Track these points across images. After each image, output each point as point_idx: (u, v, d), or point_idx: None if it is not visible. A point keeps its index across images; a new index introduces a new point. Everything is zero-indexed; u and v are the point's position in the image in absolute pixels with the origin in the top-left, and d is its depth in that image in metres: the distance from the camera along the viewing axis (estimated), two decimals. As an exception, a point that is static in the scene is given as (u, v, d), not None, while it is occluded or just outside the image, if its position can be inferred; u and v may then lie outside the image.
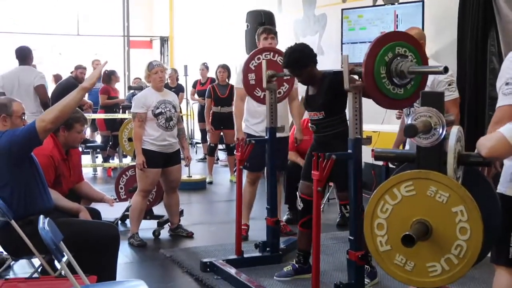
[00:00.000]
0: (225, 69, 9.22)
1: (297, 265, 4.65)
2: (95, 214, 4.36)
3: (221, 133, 9.29)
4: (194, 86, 11.13)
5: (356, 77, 3.84)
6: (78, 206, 4.27)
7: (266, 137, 5.08)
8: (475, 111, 6.27)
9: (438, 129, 2.18)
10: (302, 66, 4.13)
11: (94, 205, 4.64)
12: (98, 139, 11.14)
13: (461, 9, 6.59)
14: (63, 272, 3.16)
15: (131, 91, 10.82)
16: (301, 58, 4.17)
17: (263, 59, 5.01)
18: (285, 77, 5.06)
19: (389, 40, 3.45)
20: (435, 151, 2.21)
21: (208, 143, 9.52)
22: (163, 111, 5.56)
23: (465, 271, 2.16)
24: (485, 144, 2.22)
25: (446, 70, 3.09)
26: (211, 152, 9.41)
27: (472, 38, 6.40)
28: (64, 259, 3.20)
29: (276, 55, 5.05)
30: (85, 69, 10.05)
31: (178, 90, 10.39)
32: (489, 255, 2.66)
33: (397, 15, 7.24)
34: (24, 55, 7.31)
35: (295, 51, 4.31)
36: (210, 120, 9.16)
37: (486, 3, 6.30)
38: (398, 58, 3.42)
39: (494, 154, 2.21)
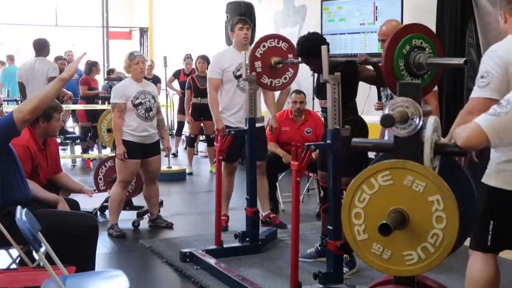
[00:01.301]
0: (204, 60, 9.19)
1: (319, 248, 4.75)
2: (74, 205, 4.34)
3: (201, 124, 9.26)
4: (177, 75, 10.89)
5: (370, 67, 3.86)
6: (57, 197, 4.26)
7: (245, 128, 5.09)
8: (453, 103, 6.32)
9: (415, 119, 2.20)
10: (315, 55, 4.13)
11: (73, 196, 4.63)
12: (77, 130, 11.07)
13: (439, 1, 6.64)
14: (41, 263, 3.14)
15: (107, 82, 10.80)
16: (314, 47, 4.18)
17: (268, 46, 5.03)
18: (290, 64, 5.07)
19: (406, 33, 3.46)
20: (412, 141, 2.23)
21: (188, 134, 9.49)
22: (142, 101, 5.55)
23: (441, 259, 2.19)
24: (461, 134, 2.25)
25: (466, 63, 3.10)
26: (191, 143, 9.39)
27: (451, 30, 6.45)
28: (42, 249, 3.18)
29: (281, 42, 5.08)
30: (66, 60, 9.96)
31: (155, 81, 10.31)
32: (465, 243, 2.72)
33: (376, 6, 7.27)
34: (40, 47, 7.72)
35: (308, 40, 4.36)
36: (190, 111, 9.14)
37: (464, -6, 6.35)
38: (416, 50, 3.44)
39: (469, 144, 2.23)
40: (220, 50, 6.03)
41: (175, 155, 10.47)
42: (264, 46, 5.02)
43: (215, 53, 5.93)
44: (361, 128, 4.47)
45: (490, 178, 2.81)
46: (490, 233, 2.77)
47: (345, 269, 4.41)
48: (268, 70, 5.04)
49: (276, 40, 5.08)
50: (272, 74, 5.07)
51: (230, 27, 5.75)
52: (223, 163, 5.37)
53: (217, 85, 5.64)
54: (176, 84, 10.97)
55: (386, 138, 4.89)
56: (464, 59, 3.17)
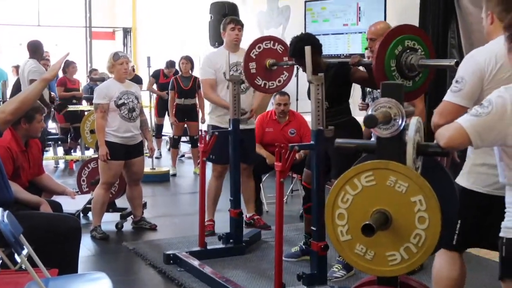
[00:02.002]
0: (188, 61, 9.15)
1: (304, 246, 4.75)
2: (56, 206, 4.31)
3: (185, 125, 9.24)
4: (156, 77, 10.57)
5: (362, 68, 3.86)
6: (39, 199, 4.22)
7: (229, 129, 5.08)
8: (435, 104, 6.30)
9: (397, 120, 2.20)
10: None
11: (55, 198, 4.59)
12: (58, 131, 10.99)
13: (422, 1, 6.68)
14: (23, 266, 3.11)
15: (88, 83, 10.72)
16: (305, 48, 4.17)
17: (264, 47, 5.00)
18: (285, 66, 5.06)
19: (398, 34, 3.47)
20: (395, 141, 2.23)
21: (172, 135, 9.46)
22: (125, 101, 5.52)
23: (423, 259, 2.19)
24: (443, 134, 2.25)
25: (457, 64, 3.10)
26: (175, 144, 9.37)
27: (433, 31, 6.49)
28: (24, 252, 3.16)
29: (276, 44, 5.06)
30: (49, 61, 9.88)
31: (136, 81, 10.22)
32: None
33: (359, 7, 7.30)
34: (34, 49, 7.79)
35: (301, 41, 4.34)
36: (173, 112, 9.11)
37: (446, -4, 6.40)
38: (408, 51, 3.45)
39: (452, 144, 2.23)
40: (212, 51, 6.00)
41: (158, 158, 10.36)
42: (259, 48, 5.00)
43: (206, 54, 5.88)
44: (355, 129, 4.48)
45: (462, 178, 2.87)
46: (457, 232, 2.84)
47: (342, 272, 4.42)
48: (263, 72, 5.01)
49: (271, 42, 5.06)
50: (266, 76, 5.04)
51: (222, 26, 5.70)
52: (212, 165, 5.35)
53: (213, 85, 5.58)
54: (155, 86, 10.72)
55: (373, 139, 4.87)
56: (456, 60, 3.19)
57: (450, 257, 2.94)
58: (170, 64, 10.36)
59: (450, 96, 2.80)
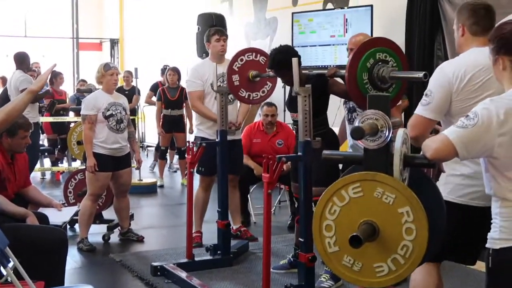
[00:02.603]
0: (175, 72, 9.15)
1: (292, 259, 4.74)
2: (43, 219, 4.28)
3: (172, 136, 9.22)
4: (155, 90, 10.16)
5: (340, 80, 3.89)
6: (25, 211, 4.19)
7: (217, 140, 5.07)
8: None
9: (384, 132, 2.21)
10: (287, 67, 4.12)
11: (42, 210, 4.57)
12: (46, 142, 10.93)
13: (408, 14, 6.73)
14: (9, 279, 3.09)
15: (75, 93, 10.65)
16: (285, 60, 4.17)
17: (246, 59, 5.03)
18: (267, 77, 5.07)
19: (370, 46, 3.50)
20: (382, 153, 2.24)
21: (159, 146, 9.43)
22: (113, 113, 5.51)
23: (411, 270, 2.19)
24: (430, 146, 2.26)
25: (425, 76, 3.16)
26: (161, 155, 9.34)
27: (420, 42, 6.54)
28: (10, 265, 3.13)
29: (259, 55, 5.08)
30: (35, 71, 9.84)
31: (133, 92, 10.21)
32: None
33: (346, 19, 7.33)
34: (21, 60, 7.86)
35: (280, 53, 4.37)
36: (161, 123, 9.09)
37: (432, 7, 6.46)
38: (380, 63, 3.48)
39: (438, 156, 2.25)
40: (198, 63, 5.99)
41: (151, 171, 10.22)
42: (242, 60, 5.02)
43: (193, 66, 5.86)
44: (333, 140, 4.50)
45: (440, 189, 2.86)
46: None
47: (330, 282, 4.42)
48: (246, 84, 5.04)
49: (254, 53, 5.09)
50: (250, 88, 5.07)
51: (206, 37, 5.70)
52: (200, 176, 5.34)
53: (201, 96, 5.58)
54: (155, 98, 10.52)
55: (350, 150, 4.87)
56: (424, 72, 3.22)
57: (427, 268, 2.94)
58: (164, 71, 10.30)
59: (419, 109, 2.89)
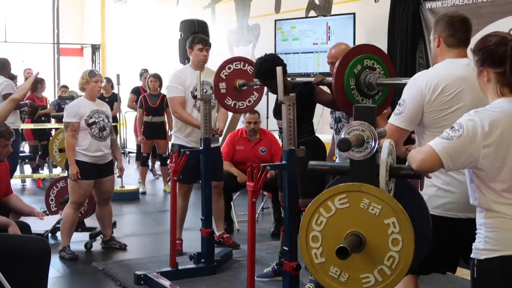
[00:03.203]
0: (156, 79, 9.12)
1: (276, 267, 4.74)
2: (25, 228, 4.26)
3: (153, 143, 9.18)
4: (136, 93, 10.08)
5: (326, 88, 3.89)
6: (7, 220, 4.16)
7: (200, 148, 5.06)
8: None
9: (370, 143, 2.22)
10: (272, 77, 4.13)
11: (24, 219, 4.53)
12: (26, 148, 10.85)
13: (390, 22, 6.78)
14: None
15: (56, 99, 10.57)
16: (271, 69, 4.17)
17: (234, 68, 5.03)
18: (255, 86, 5.08)
19: (357, 53, 3.52)
20: (368, 164, 2.25)
21: (141, 153, 9.39)
22: (96, 120, 5.48)
23: (397, 281, 2.20)
24: (415, 157, 2.28)
25: None
26: (143, 162, 9.30)
27: (402, 51, 6.60)
28: (-8, 275, 3.10)
29: (246, 65, 5.09)
30: (16, 77, 9.77)
31: (114, 99, 10.14)
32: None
33: (329, 26, 7.37)
34: (1, 66, 7.80)
35: (266, 62, 4.38)
36: (142, 130, 9.05)
37: (414, 16, 6.51)
38: (367, 70, 3.50)
39: (423, 167, 2.26)
40: (177, 69, 5.97)
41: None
42: (229, 68, 5.03)
43: (174, 72, 5.84)
44: (318, 148, 4.51)
45: None
46: None
47: None
48: (233, 92, 5.04)
49: (241, 63, 5.09)
50: (236, 97, 5.07)
51: (189, 43, 5.68)
52: (178, 184, 5.32)
53: (183, 102, 5.57)
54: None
55: (337, 160, 4.88)
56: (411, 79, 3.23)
57: (405, 281, 2.92)
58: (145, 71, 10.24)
59: (392, 118, 2.93)
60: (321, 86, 4.33)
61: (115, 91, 10.23)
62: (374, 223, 2.19)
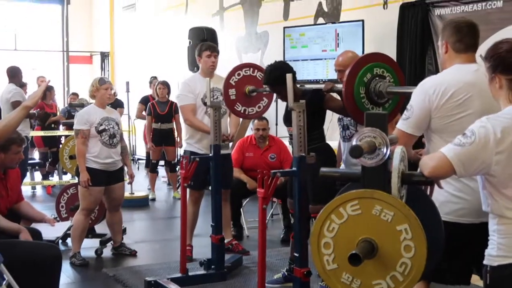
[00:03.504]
0: (165, 86, 9.15)
1: (286, 274, 4.75)
2: (36, 234, 4.27)
3: (162, 150, 9.19)
4: (145, 102, 9.86)
5: (336, 95, 3.90)
6: (19, 227, 4.18)
7: (210, 155, 5.08)
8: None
9: (382, 149, 2.23)
10: (282, 83, 4.15)
11: (35, 225, 4.55)
12: (36, 155, 10.89)
13: (399, 29, 6.79)
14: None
15: (66, 106, 10.60)
16: (281, 76, 4.18)
17: (243, 74, 5.07)
18: (264, 92, 5.10)
19: (367, 62, 3.55)
20: (380, 170, 2.25)
21: (150, 160, 9.41)
22: (106, 128, 5.51)
23: (410, 288, 2.21)
24: (427, 163, 2.29)
25: None
26: (153, 169, 9.32)
27: (411, 57, 6.60)
28: (5, 282, 3.12)
29: (256, 71, 5.12)
30: (26, 85, 9.81)
31: (116, 105, 10.13)
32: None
33: (338, 33, 7.38)
34: (13, 74, 8.03)
35: (276, 69, 4.41)
36: (151, 137, 9.07)
37: (423, 22, 6.51)
38: (377, 78, 3.51)
39: (436, 173, 2.27)
40: (188, 77, 6.01)
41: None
42: (239, 74, 5.06)
43: (184, 80, 5.87)
44: (329, 155, 4.52)
45: None
46: None
47: None
48: (242, 98, 5.08)
49: (251, 69, 5.13)
50: (246, 103, 5.11)
51: (197, 51, 5.72)
52: (188, 190, 5.34)
53: (194, 110, 5.59)
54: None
55: (342, 166, 4.87)
56: None
57: (416, 287, 2.93)
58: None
59: (400, 123, 2.95)
60: (331, 93, 4.34)
61: (125, 98, 10.28)
62: (386, 229, 2.19)
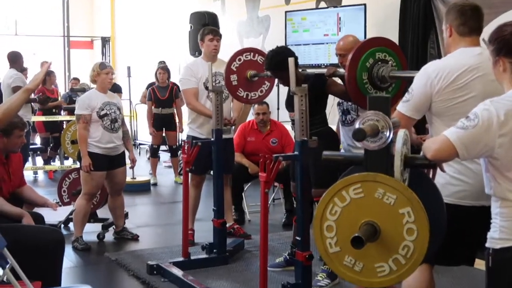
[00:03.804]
0: (165, 71, 9.12)
1: (288, 257, 4.77)
2: (38, 219, 4.28)
3: (163, 134, 9.18)
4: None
5: (338, 79, 3.89)
6: (21, 211, 4.19)
7: (212, 139, 5.08)
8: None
9: (385, 133, 2.22)
10: (284, 69, 4.13)
11: (37, 210, 4.56)
12: (37, 141, 10.89)
13: (402, 12, 6.75)
14: (5, 279, 3.09)
15: (68, 92, 10.59)
16: (282, 61, 4.18)
17: (244, 59, 5.06)
18: (265, 76, 5.09)
19: (369, 46, 3.53)
20: (382, 154, 2.25)
21: (151, 144, 9.42)
22: (108, 112, 5.51)
23: (412, 270, 2.21)
24: (430, 147, 2.28)
25: None
26: (153, 153, 9.32)
27: (413, 41, 6.56)
28: (8, 265, 3.13)
29: (257, 55, 5.11)
30: (27, 70, 9.79)
31: (114, 90, 10.09)
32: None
33: (339, 17, 7.35)
34: (14, 59, 8.02)
35: (277, 54, 4.39)
36: (151, 122, 9.06)
37: (426, 6, 6.48)
38: (379, 63, 3.50)
39: (438, 156, 2.27)
40: (191, 61, 6.00)
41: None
42: (239, 60, 5.05)
43: (186, 64, 5.87)
44: (331, 139, 4.52)
45: None
46: None
47: (327, 281, 4.45)
48: (244, 83, 5.07)
49: (252, 53, 5.11)
50: (248, 87, 5.10)
51: (200, 36, 5.71)
52: (190, 174, 5.35)
53: (196, 94, 5.58)
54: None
55: (342, 151, 4.86)
56: None
57: (419, 270, 2.93)
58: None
59: (400, 106, 2.95)
60: (333, 78, 4.33)
61: (126, 83, 10.26)
62: (389, 212, 2.20)
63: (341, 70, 4.09)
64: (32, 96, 8.84)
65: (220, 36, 5.75)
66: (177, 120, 9.22)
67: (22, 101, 3.66)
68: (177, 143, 9.33)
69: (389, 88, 3.69)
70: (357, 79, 3.52)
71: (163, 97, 9.00)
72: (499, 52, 2.33)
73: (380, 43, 3.63)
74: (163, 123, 9.04)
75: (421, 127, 3.23)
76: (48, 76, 9.93)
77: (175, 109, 9.12)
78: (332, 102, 6.85)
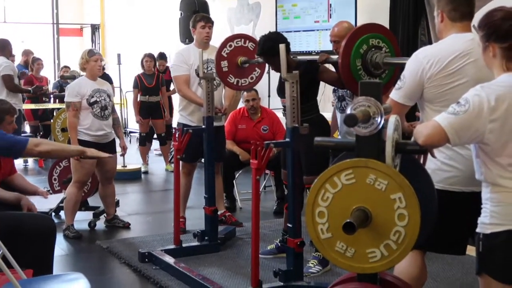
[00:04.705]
0: (151, 58, 9.06)
1: (280, 244, 4.77)
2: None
3: (150, 123, 9.11)
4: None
5: (331, 67, 3.89)
6: (18, 195, 4.18)
7: (203, 127, 5.07)
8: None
9: (376, 118, 2.22)
10: (276, 54, 4.12)
11: (28, 198, 4.54)
12: (27, 129, 10.84)
13: (392, -1, 6.75)
14: (-3, 267, 3.08)
15: (58, 80, 10.51)
16: (274, 47, 4.16)
17: (234, 46, 5.04)
18: (256, 63, 5.08)
19: (363, 33, 3.53)
20: (374, 140, 2.25)
21: (139, 132, 9.38)
22: (98, 100, 5.49)
23: (403, 256, 2.22)
24: (421, 132, 2.29)
25: None
26: (142, 142, 9.27)
27: (404, 28, 6.56)
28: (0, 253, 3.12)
29: (247, 41, 5.10)
30: (14, 57, 9.71)
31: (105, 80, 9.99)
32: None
33: (330, 4, 7.33)
34: (2, 47, 7.91)
35: (269, 40, 4.38)
36: (138, 110, 9.01)
37: (416, -7, 6.47)
38: (373, 49, 3.50)
39: (429, 142, 2.27)
40: (183, 47, 5.98)
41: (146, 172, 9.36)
42: (230, 46, 5.03)
43: (178, 51, 5.85)
44: (323, 126, 4.52)
45: None
46: None
47: (318, 267, 4.46)
48: (235, 70, 5.06)
49: (242, 40, 5.10)
50: (238, 74, 5.09)
51: (192, 23, 5.68)
52: (181, 162, 5.34)
53: (187, 81, 5.57)
54: None
55: (339, 136, 4.89)
56: None
57: (411, 255, 2.93)
58: (160, 56, 9.97)
59: (393, 93, 2.94)
60: (325, 65, 4.33)
61: (116, 71, 10.21)
62: (380, 198, 2.20)
63: (334, 57, 4.09)
64: (28, 87, 8.84)
65: (212, 23, 5.73)
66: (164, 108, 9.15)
67: (70, 155, 4.39)
68: (165, 131, 9.20)
69: (382, 75, 3.70)
70: (351, 65, 3.52)
71: (150, 85, 8.94)
72: (489, 38, 2.33)
73: (374, 29, 3.63)
74: (150, 111, 8.98)
75: (411, 114, 3.23)
76: (33, 64, 9.85)
77: (161, 97, 9.06)
78: (323, 89, 6.86)
